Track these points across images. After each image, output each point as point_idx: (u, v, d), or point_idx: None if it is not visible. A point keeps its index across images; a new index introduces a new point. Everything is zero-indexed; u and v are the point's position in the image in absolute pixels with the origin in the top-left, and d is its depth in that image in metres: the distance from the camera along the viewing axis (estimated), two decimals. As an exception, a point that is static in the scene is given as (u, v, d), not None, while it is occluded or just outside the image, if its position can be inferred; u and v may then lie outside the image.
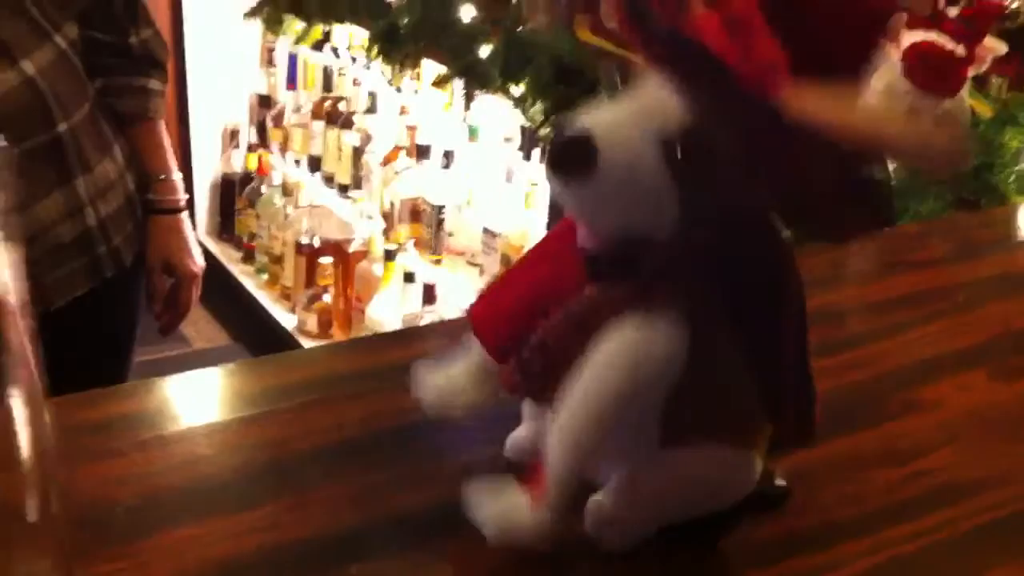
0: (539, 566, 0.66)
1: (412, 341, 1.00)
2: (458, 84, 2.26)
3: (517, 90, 1.92)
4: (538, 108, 1.79)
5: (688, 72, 0.57)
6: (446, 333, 1.00)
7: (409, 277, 2.72)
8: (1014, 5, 1.44)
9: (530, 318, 0.65)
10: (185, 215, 1.58)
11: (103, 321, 1.48)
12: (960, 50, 1.37)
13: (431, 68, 2.59)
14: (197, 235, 1.65)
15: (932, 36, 1.40)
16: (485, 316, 0.69)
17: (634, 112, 0.59)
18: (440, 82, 2.13)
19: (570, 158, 0.57)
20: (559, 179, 0.58)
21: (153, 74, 1.50)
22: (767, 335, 0.64)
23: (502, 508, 0.64)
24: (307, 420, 0.78)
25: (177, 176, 1.56)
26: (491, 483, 0.64)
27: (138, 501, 0.67)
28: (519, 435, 0.75)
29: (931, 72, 1.40)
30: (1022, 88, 1.53)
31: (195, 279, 1.59)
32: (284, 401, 0.80)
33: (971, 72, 1.40)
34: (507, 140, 2.67)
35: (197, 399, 0.82)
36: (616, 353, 0.60)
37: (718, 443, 0.65)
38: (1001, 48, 1.39)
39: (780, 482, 0.72)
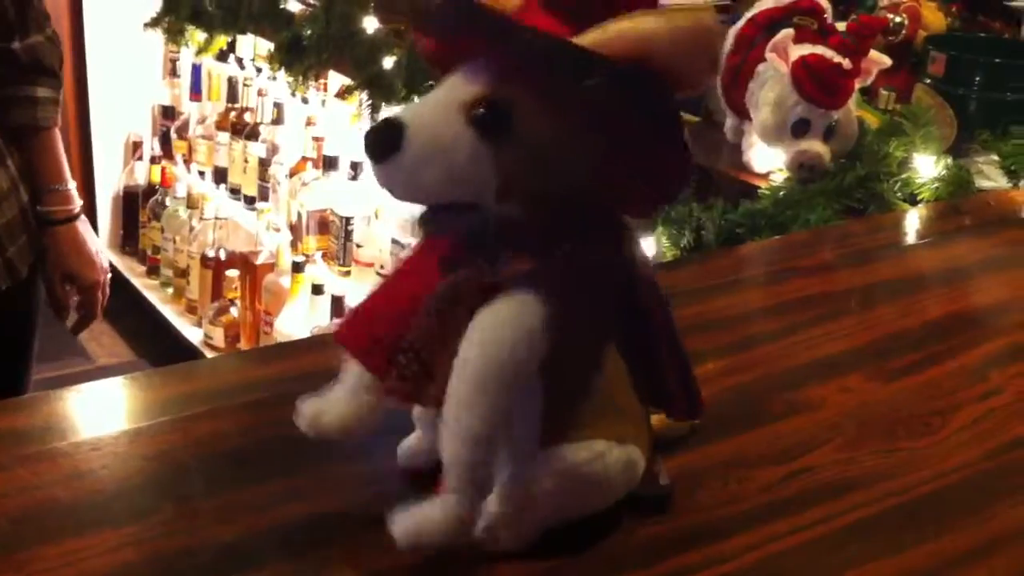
0: (424, 570, 0.66)
1: (302, 353, 0.99)
2: (363, 95, 2.26)
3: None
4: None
5: (480, 30, 0.61)
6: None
7: (317, 289, 2.70)
8: (896, 20, 1.49)
9: (401, 336, 0.67)
10: (81, 222, 1.55)
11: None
12: (846, 63, 1.42)
13: (337, 79, 2.59)
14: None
15: (819, 50, 1.45)
16: (360, 337, 0.70)
17: (437, 93, 0.63)
18: (345, 93, 2.13)
19: (378, 139, 0.61)
20: (373, 161, 0.62)
21: (41, 81, 1.45)
22: (637, 319, 0.67)
23: (410, 512, 0.65)
24: (194, 431, 0.78)
25: (71, 185, 1.53)
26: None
27: (21, 514, 0.67)
28: (411, 442, 0.76)
29: (818, 84, 1.46)
30: (910, 100, 1.58)
31: (97, 286, 1.56)
32: (173, 413, 0.80)
33: (858, 84, 1.45)
34: (414, 151, 2.67)
35: (86, 412, 0.81)
36: (481, 337, 0.62)
37: (599, 439, 0.67)
38: (885, 61, 1.44)
39: (664, 481, 0.73)
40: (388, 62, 2.01)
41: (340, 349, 0.69)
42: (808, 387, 0.89)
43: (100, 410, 0.82)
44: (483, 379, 0.62)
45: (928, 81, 1.54)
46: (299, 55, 2.20)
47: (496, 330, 0.62)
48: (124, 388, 0.86)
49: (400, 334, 0.66)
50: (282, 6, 2.33)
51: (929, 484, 0.77)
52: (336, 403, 0.70)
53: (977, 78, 1.52)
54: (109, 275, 1.60)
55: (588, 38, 0.59)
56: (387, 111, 2.14)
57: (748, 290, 1.14)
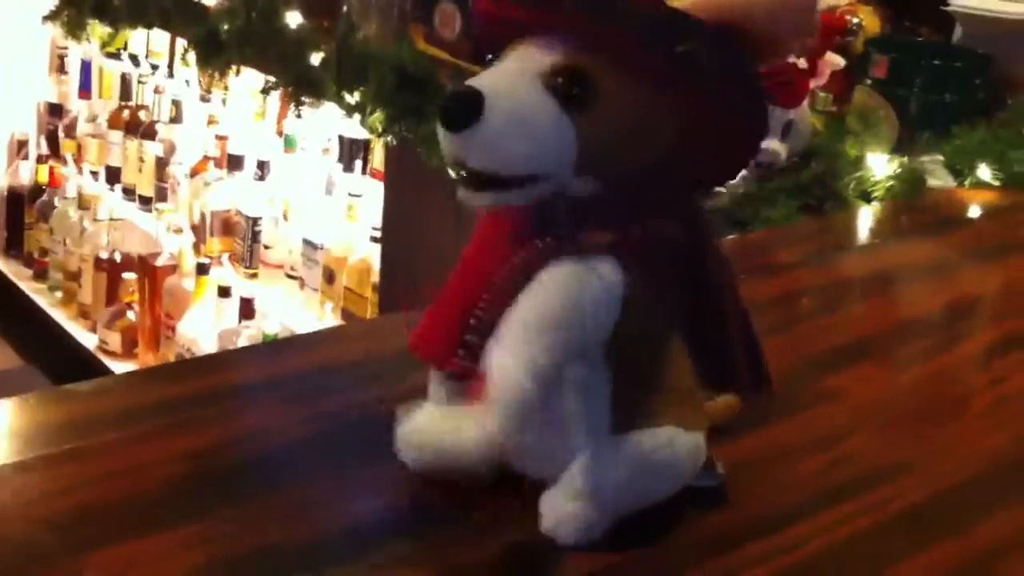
0: (495, 565, 0.65)
1: (212, 369, 0.93)
2: (274, 94, 2.21)
3: (351, 98, 1.90)
4: (378, 116, 1.77)
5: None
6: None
7: (224, 292, 2.63)
8: (855, 21, 1.53)
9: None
10: None
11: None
12: (802, 63, 1.44)
13: (239, 78, 2.52)
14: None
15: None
16: (432, 341, 0.68)
17: (511, 63, 0.62)
18: (267, 91, 2.08)
19: (457, 109, 0.59)
20: (451, 131, 0.60)
21: None
22: (709, 296, 0.66)
23: (442, 428, 0.64)
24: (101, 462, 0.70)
25: None
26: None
27: None
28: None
29: (775, 84, 1.48)
30: (846, 101, 1.62)
31: None
32: (72, 440, 0.72)
33: (813, 84, 1.48)
34: (325, 151, 2.63)
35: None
36: (557, 277, 0.61)
37: (666, 425, 0.66)
38: (839, 62, 1.47)
39: (720, 471, 0.73)
40: (315, 58, 1.97)
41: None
42: (826, 377, 0.90)
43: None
44: (558, 317, 0.61)
45: (869, 83, 1.58)
46: (216, 50, 2.13)
47: (576, 278, 0.61)
48: (10, 410, 0.76)
49: (462, 325, 0.65)
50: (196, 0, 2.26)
51: (967, 469, 0.79)
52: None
53: (918, 80, 1.57)
54: None
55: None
56: (309, 109, 2.10)
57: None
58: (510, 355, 0.61)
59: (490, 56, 0.65)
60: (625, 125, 0.61)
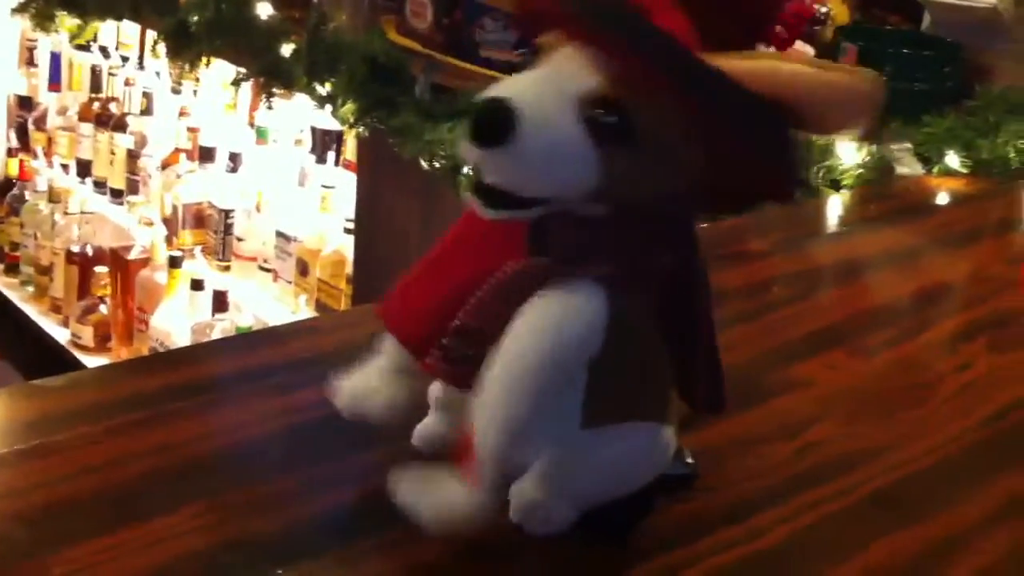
0: (464, 555, 0.65)
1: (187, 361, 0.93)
2: (245, 85, 2.20)
3: (322, 89, 1.89)
4: (350, 107, 1.77)
5: (622, 36, 0.57)
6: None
7: (197, 285, 2.62)
8: (823, 10, 1.54)
9: (449, 315, 0.65)
10: None
11: None
12: (771, 52, 1.45)
13: (210, 69, 2.51)
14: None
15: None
16: (398, 314, 0.68)
17: (552, 78, 0.59)
18: (237, 82, 2.07)
19: (491, 124, 0.57)
20: (482, 146, 0.57)
21: None
22: (682, 318, 0.67)
23: (435, 494, 0.63)
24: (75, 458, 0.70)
25: None
26: (418, 470, 0.64)
27: None
28: (428, 427, 0.73)
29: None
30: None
31: None
32: (42, 436, 0.71)
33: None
34: (298, 142, 2.62)
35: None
36: (538, 322, 0.60)
37: (638, 420, 0.66)
38: (808, 51, 1.48)
39: (689, 460, 0.74)
40: (286, 49, 1.97)
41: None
42: (794, 365, 0.91)
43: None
44: (537, 369, 0.60)
45: (839, 71, 1.59)
46: (187, 42, 2.12)
47: (558, 320, 0.60)
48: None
49: (441, 310, 0.64)
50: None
51: (933, 454, 0.79)
52: (378, 386, 0.67)
53: (887, 68, 1.57)
54: None
55: (735, 65, 0.56)
56: (281, 100, 2.10)
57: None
58: (488, 415, 0.61)
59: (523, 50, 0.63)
60: (650, 163, 0.59)
